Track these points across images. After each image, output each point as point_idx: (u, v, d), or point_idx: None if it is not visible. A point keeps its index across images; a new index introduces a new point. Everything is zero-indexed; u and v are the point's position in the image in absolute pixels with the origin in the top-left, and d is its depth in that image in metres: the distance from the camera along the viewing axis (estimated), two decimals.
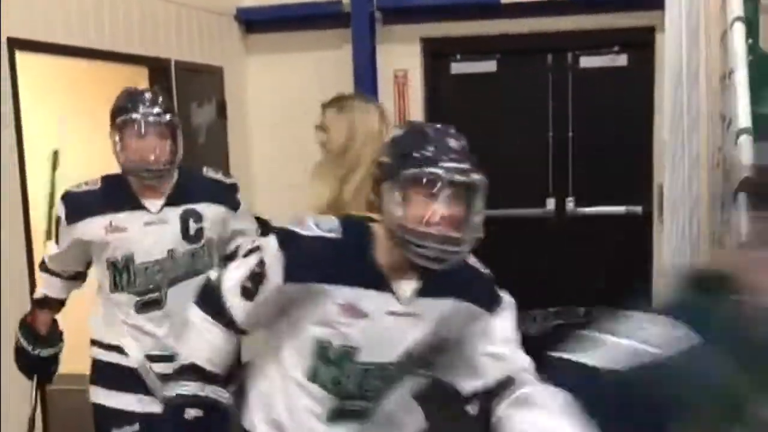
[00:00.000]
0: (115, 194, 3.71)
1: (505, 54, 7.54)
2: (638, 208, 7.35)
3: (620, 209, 7.41)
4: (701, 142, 4.74)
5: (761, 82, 4.02)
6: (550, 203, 7.52)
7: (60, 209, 3.79)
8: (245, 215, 4.01)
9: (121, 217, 3.68)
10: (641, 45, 7.21)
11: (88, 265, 3.95)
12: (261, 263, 2.60)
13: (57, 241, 3.89)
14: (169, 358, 3.48)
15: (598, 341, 2.04)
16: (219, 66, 7.28)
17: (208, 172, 3.94)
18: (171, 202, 3.74)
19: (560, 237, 7.49)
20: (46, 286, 4.03)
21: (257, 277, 2.60)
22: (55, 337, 4.08)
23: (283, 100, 7.51)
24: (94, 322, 3.92)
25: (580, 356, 2.02)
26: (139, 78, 6.59)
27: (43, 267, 4.04)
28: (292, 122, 7.34)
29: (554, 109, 7.48)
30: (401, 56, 7.48)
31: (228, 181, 3.99)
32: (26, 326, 4.06)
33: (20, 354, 4.07)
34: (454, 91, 7.63)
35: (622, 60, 7.41)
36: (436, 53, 7.60)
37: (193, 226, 3.75)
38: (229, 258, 3.73)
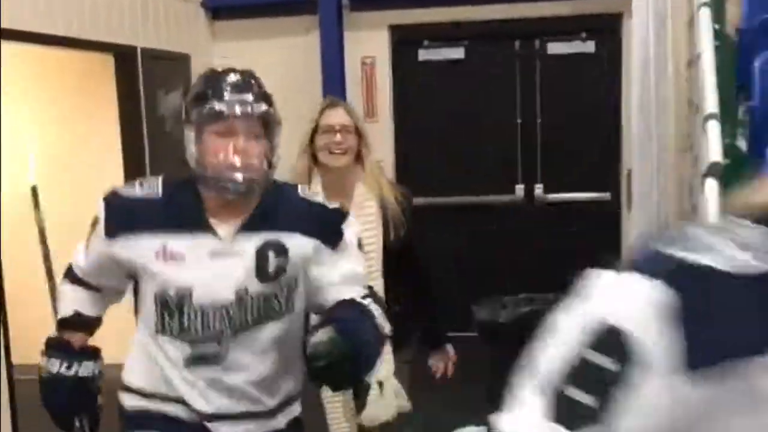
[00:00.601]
0: (178, 208, 2.74)
1: (472, 41, 7.54)
2: (607, 195, 7.38)
3: (589, 195, 7.44)
4: (669, 127, 4.76)
5: (728, 67, 4.04)
6: (519, 190, 7.53)
7: (100, 210, 2.80)
8: (349, 253, 2.85)
9: (180, 242, 2.70)
10: (608, 31, 7.24)
11: (130, 279, 2.93)
12: None
13: (86, 244, 2.91)
14: (242, 416, 2.85)
15: (707, 244, 1.30)
16: (186, 53, 7.24)
17: (304, 192, 2.91)
18: (248, 227, 2.73)
19: (529, 223, 7.50)
20: (75, 300, 2.98)
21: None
22: (93, 352, 2.99)
23: None
24: (130, 366, 2.93)
25: (698, 257, 1.28)
26: (105, 66, 6.55)
27: (71, 276, 3.00)
28: None
29: (522, 96, 7.50)
30: (369, 43, 7.47)
31: (331, 206, 2.89)
32: (53, 344, 2.96)
33: (50, 386, 2.93)
34: (422, 77, 7.62)
35: (589, 46, 7.42)
36: (403, 40, 7.59)
37: (272, 261, 2.73)
38: (320, 312, 2.83)
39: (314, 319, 2.83)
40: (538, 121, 7.48)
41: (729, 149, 3.52)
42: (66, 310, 2.95)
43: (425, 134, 7.57)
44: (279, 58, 7.41)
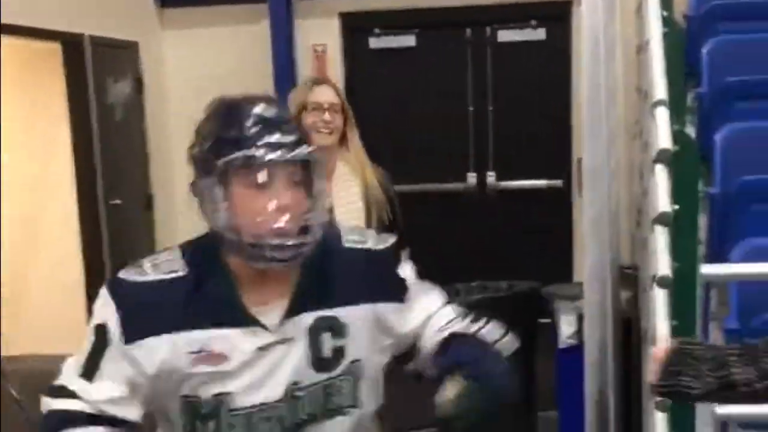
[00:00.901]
0: (211, 295, 2.08)
1: (423, 29, 7.53)
2: (559, 182, 7.42)
3: (541, 183, 7.47)
4: (619, 114, 4.78)
5: (676, 54, 4.06)
6: (471, 178, 7.55)
7: (105, 310, 2.08)
8: (417, 292, 2.32)
9: (222, 340, 2.07)
10: (558, 18, 7.26)
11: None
12: None
13: (88, 366, 2.08)
14: None
15: None
16: (134, 41, 7.18)
17: (350, 238, 2.27)
18: (297, 308, 2.12)
19: (482, 211, 7.53)
20: None
21: None
22: None
23: (200, 76, 7.41)
24: None
25: None
26: (52, 54, 6.47)
27: (74, 420, 2.06)
28: (211, 96, 7.26)
29: (473, 84, 7.50)
30: (319, 31, 7.44)
31: (382, 246, 2.29)
32: None
33: None
34: (373, 65, 7.61)
35: (540, 34, 7.45)
36: (354, 28, 7.57)
37: (328, 343, 2.14)
38: (404, 360, 2.33)
39: (424, 361, 2.28)
40: (490, 108, 7.49)
41: (678, 135, 3.55)
42: None
43: (376, 122, 7.55)
44: (229, 46, 7.38)
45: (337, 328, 2.14)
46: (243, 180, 2.00)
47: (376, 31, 7.56)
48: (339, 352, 2.14)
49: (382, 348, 2.23)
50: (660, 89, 3.70)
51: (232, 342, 2.06)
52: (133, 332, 2.03)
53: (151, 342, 2.03)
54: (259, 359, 2.08)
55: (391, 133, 7.55)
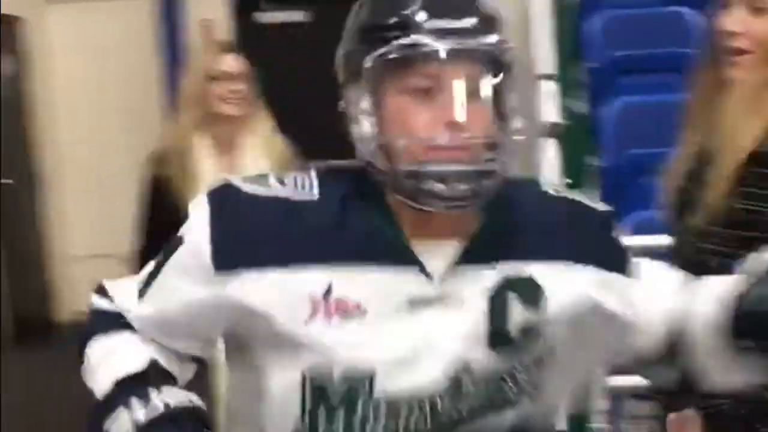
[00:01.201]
0: (351, 222, 1.44)
1: (321, 4, 7.50)
2: None
3: None
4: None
5: (567, 30, 4.11)
6: None
7: (192, 219, 1.46)
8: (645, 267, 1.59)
9: (357, 282, 1.42)
10: None
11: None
12: None
13: (148, 282, 1.50)
14: None
15: None
16: (19, 17, 7.03)
17: (551, 186, 1.59)
18: (475, 255, 1.44)
19: None
20: (146, 349, 1.49)
21: None
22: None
23: (87, 51, 7.30)
24: None
25: None
26: None
27: (122, 324, 1.51)
28: (97, 72, 7.14)
29: None
30: (207, 6, 7.36)
31: (599, 206, 1.58)
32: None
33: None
34: (264, 41, 7.53)
35: None
36: (242, 2, 7.51)
37: (518, 314, 1.45)
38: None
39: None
40: None
41: (567, 110, 3.60)
42: (136, 361, 1.46)
43: (271, 102, 7.51)
44: (115, 21, 7.25)
45: (532, 294, 1.46)
46: (399, 82, 1.40)
47: (264, 5, 7.51)
48: (531, 330, 1.46)
49: (591, 338, 1.53)
50: (547, 64, 3.74)
51: (374, 287, 1.40)
52: (231, 255, 1.41)
53: (255, 273, 1.40)
54: (409, 318, 1.41)
55: (283, 113, 7.50)
